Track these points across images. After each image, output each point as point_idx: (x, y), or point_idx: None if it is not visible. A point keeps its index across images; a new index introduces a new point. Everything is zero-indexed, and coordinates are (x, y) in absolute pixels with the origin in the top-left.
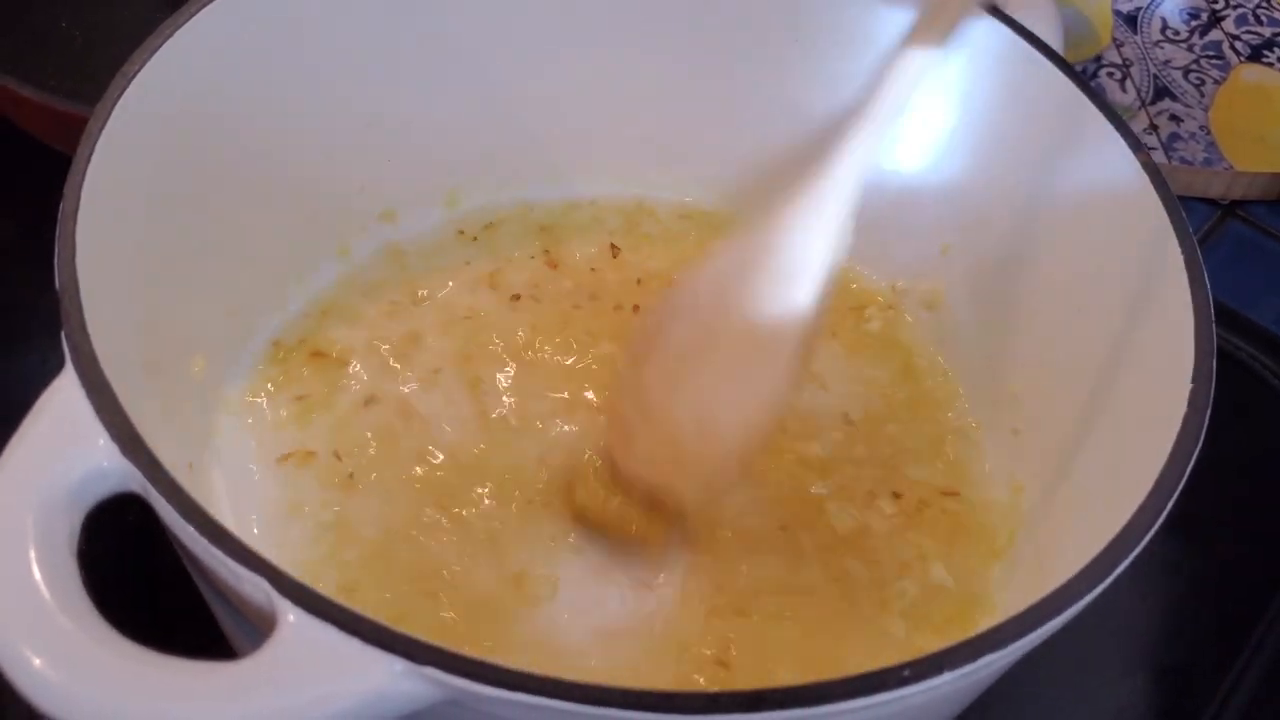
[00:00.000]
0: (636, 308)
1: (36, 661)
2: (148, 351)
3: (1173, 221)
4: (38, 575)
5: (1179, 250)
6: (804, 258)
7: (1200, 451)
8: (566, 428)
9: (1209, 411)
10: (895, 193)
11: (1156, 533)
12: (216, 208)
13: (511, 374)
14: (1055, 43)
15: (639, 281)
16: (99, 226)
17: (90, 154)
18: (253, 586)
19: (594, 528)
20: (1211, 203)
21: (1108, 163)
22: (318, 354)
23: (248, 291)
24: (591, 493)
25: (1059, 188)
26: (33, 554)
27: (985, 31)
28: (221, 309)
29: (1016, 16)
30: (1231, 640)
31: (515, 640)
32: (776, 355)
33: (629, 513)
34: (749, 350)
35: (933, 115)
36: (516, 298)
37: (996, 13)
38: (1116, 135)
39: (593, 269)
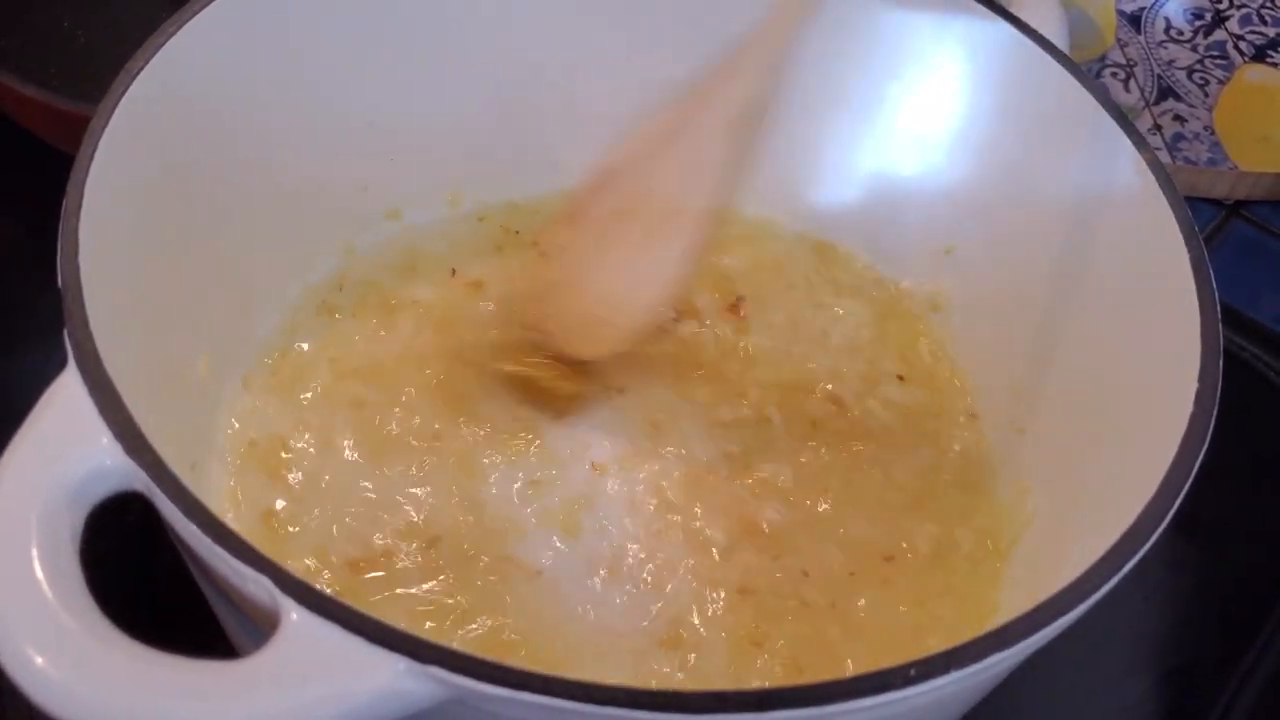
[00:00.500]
0: None
1: (39, 660)
2: (151, 350)
3: (1179, 221)
4: (40, 574)
5: (1185, 250)
6: (701, 155)
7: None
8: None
9: (1215, 411)
10: (899, 193)
11: (1161, 533)
12: (219, 206)
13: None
14: (1061, 41)
15: None
16: (101, 225)
17: (93, 152)
18: (255, 585)
19: (522, 388)
20: (1215, 203)
21: (1113, 162)
22: (323, 353)
23: (251, 290)
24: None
25: (1064, 187)
26: (35, 552)
27: (990, 30)
28: (225, 308)
29: (1021, 15)
30: (1236, 641)
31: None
32: (682, 231)
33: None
34: (661, 222)
35: (937, 114)
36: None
37: (1001, 11)
38: (1122, 135)
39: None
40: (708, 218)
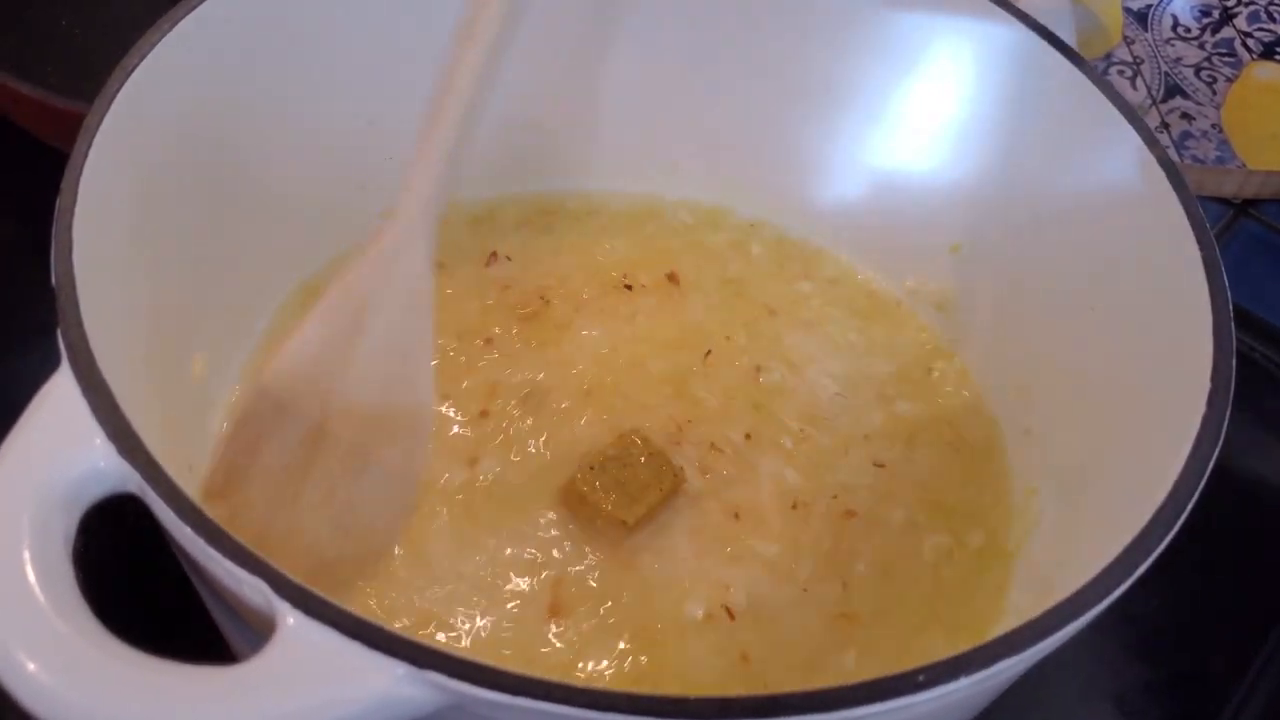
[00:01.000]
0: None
1: (31, 666)
2: (146, 350)
3: (1190, 219)
4: (32, 578)
5: (1197, 248)
6: (402, 326)
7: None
8: (564, 404)
9: (1229, 412)
10: (906, 191)
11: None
12: (216, 205)
13: (518, 373)
14: (1068, 37)
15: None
16: (96, 223)
17: (88, 150)
18: (251, 588)
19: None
20: (1224, 202)
21: (1123, 159)
22: None
23: (247, 290)
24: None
25: (1072, 185)
26: (27, 556)
27: (998, 26)
28: (222, 307)
29: (1029, 11)
30: (1246, 644)
31: None
32: (407, 435)
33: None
34: (375, 424)
35: (943, 112)
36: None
37: (1009, 7)
38: (1132, 131)
39: (596, 262)
40: (427, 402)
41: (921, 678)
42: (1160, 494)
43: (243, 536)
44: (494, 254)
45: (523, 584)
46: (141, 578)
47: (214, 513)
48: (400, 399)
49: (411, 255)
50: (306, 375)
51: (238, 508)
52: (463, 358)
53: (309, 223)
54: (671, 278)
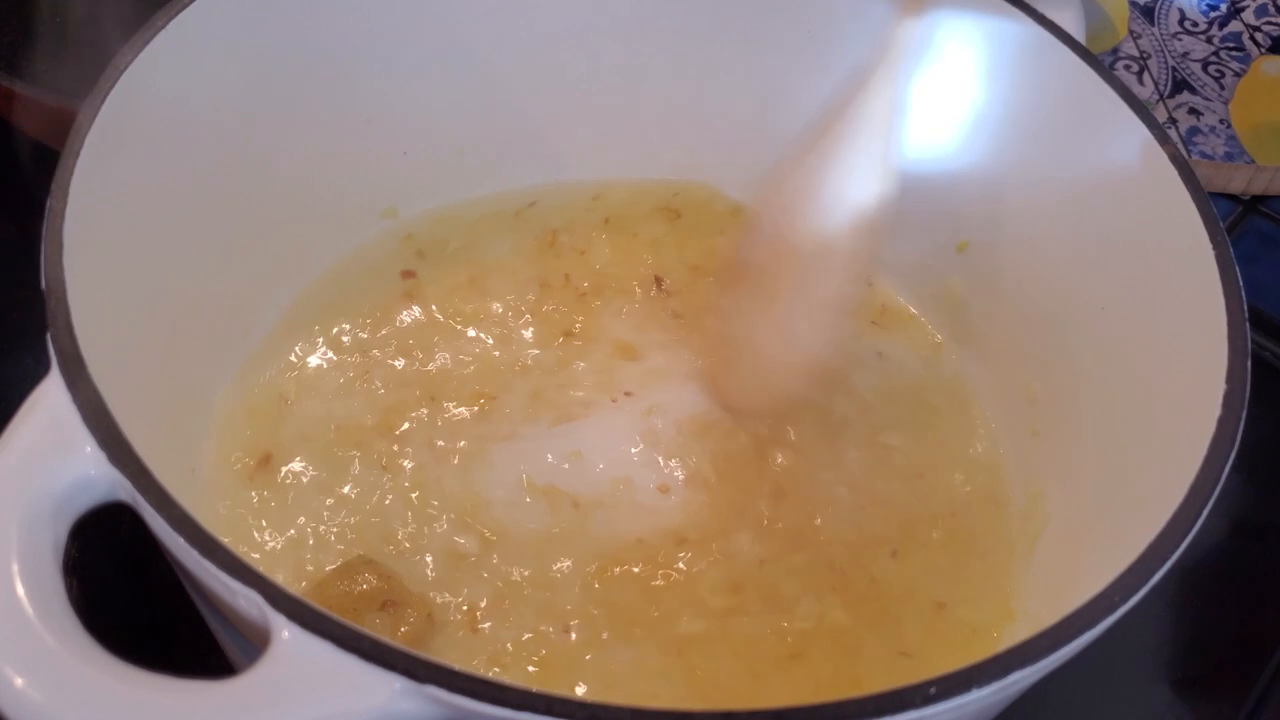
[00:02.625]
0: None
1: (18, 681)
2: (141, 353)
3: (1203, 217)
4: (20, 590)
5: (1209, 246)
6: (846, 185)
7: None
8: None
9: (1245, 412)
10: (912, 189)
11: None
12: (209, 206)
13: (520, 365)
14: (1078, 33)
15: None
16: (88, 224)
17: (79, 150)
18: (246, 600)
19: None
20: (1232, 198)
21: (1134, 156)
22: (319, 353)
23: (243, 291)
24: None
25: (1082, 183)
26: (15, 567)
27: (1005, 21)
28: (216, 310)
29: (1038, 6)
30: (1258, 649)
31: None
32: (836, 269)
33: None
34: (814, 267)
35: (950, 108)
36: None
37: (1018, 3)
38: (1142, 127)
39: (596, 255)
40: (860, 252)
41: (933, 690)
42: (1176, 497)
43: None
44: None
45: None
46: (140, 584)
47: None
48: (843, 239)
49: (891, 86)
50: (784, 198)
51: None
52: None
53: (307, 223)
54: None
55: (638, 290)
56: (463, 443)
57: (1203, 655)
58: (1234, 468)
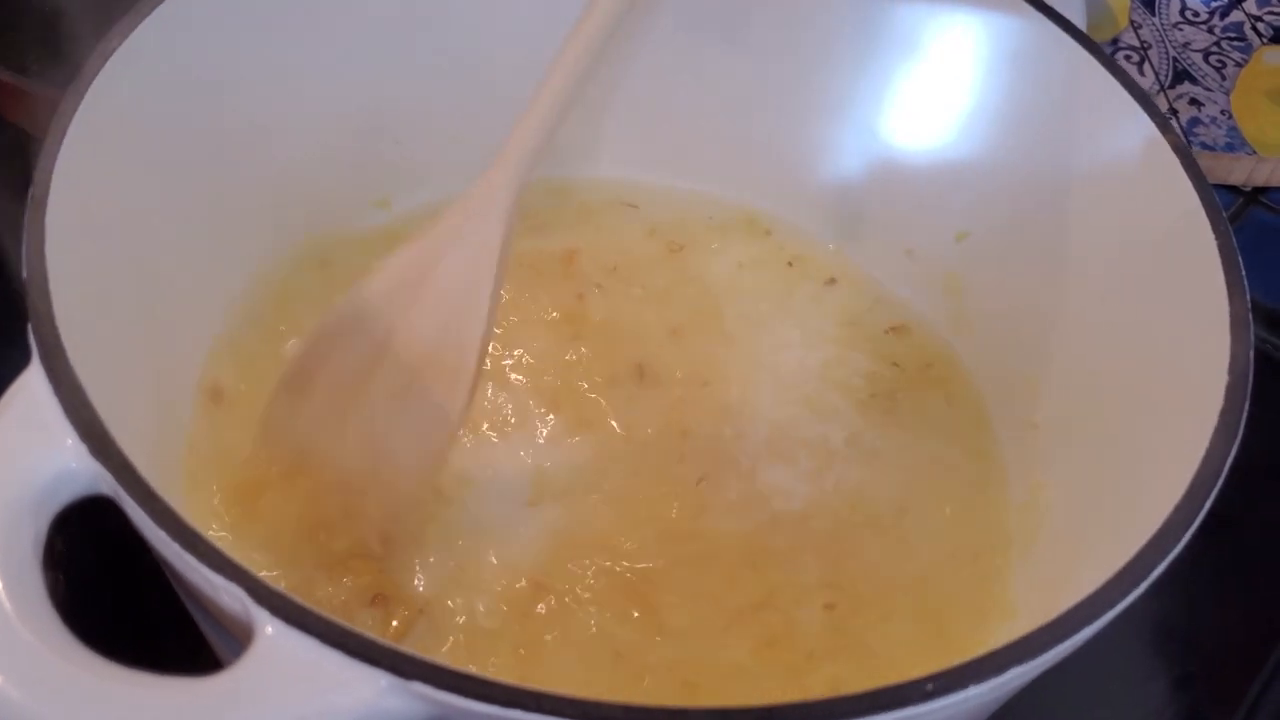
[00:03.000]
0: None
1: None
2: (125, 345)
3: (1205, 206)
4: None
5: (1212, 236)
6: (467, 282)
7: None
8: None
9: (1247, 407)
10: (911, 178)
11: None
12: (197, 195)
13: (508, 362)
14: (1078, 21)
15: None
16: (71, 214)
17: (61, 138)
18: (229, 595)
19: None
20: (1233, 189)
21: (1135, 145)
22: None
23: (231, 281)
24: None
25: (1082, 171)
26: None
27: (1005, 9)
28: (202, 300)
29: None
30: (1260, 642)
31: None
32: (454, 366)
33: None
34: (424, 365)
35: (950, 97)
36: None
37: None
38: (1144, 116)
39: (590, 249)
40: (479, 347)
41: (930, 686)
42: (1177, 492)
43: (283, 451)
44: None
45: None
46: (128, 580)
47: (277, 410)
48: (449, 348)
49: (485, 222)
50: (384, 296)
51: (298, 412)
52: None
53: (298, 213)
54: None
55: None
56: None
57: (1201, 648)
58: (1238, 460)
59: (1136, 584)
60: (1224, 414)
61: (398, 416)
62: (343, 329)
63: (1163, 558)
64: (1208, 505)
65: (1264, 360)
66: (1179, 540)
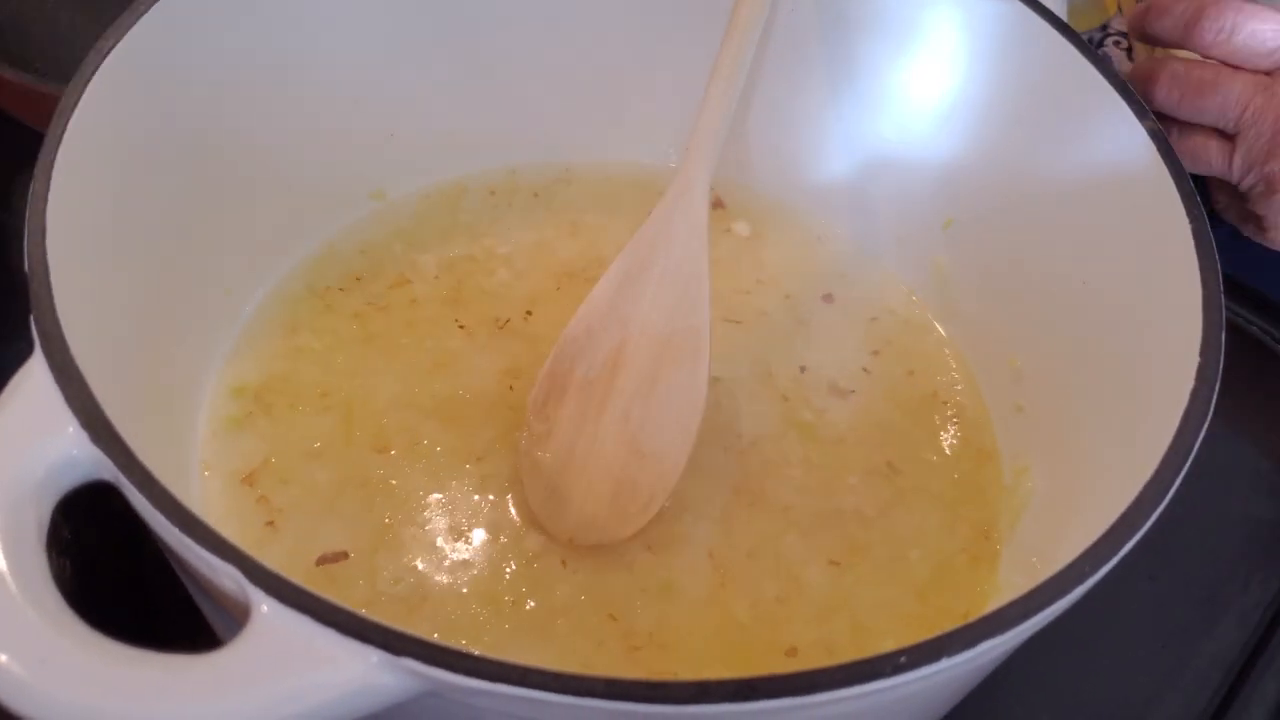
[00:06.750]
0: None
1: (2, 658)
2: (127, 336)
3: (1181, 191)
4: (4, 567)
5: (1187, 220)
6: (684, 257)
7: (1210, 426)
8: None
9: (1218, 384)
10: (897, 166)
11: (1166, 510)
12: (196, 188)
13: (504, 351)
14: (1059, 9)
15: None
16: (72, 207)
17: (62, 133)
18: (226, 576)
19: None
20: None
21: (1114, 133)
22: (306, 334)
23: (230, 272)
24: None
25: (1064, 159)
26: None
27: None
28: (202, 292)
29: None
30: (1251, 627)
31: None
32: (692, 347)
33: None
34: (663, 350)
35: (935, 86)
36: (507, 271)
37: None
38: (1123, 104)
39: (588, 239)
40: (705, 325)
41: (904, 659)
42: (1149, 470)
43: (547, 457)
44: None
45: None
46: (134, 564)
47: (534, 429)
48: (683, 322)
49: (690, 198)
50: (611, 302)
51: (553, 422)
52: None
53: (294, 205)
54: None
55: None
56: None
57: (1191, 632)
58: (1225, 437)
59: (1107, 559)
60: (1195, 392)
61: (647, 404)
62: (580, 335)
63: (1133, 534)
64: (1179, 481)
65: (1247, 340)
66: (1149, 517)
